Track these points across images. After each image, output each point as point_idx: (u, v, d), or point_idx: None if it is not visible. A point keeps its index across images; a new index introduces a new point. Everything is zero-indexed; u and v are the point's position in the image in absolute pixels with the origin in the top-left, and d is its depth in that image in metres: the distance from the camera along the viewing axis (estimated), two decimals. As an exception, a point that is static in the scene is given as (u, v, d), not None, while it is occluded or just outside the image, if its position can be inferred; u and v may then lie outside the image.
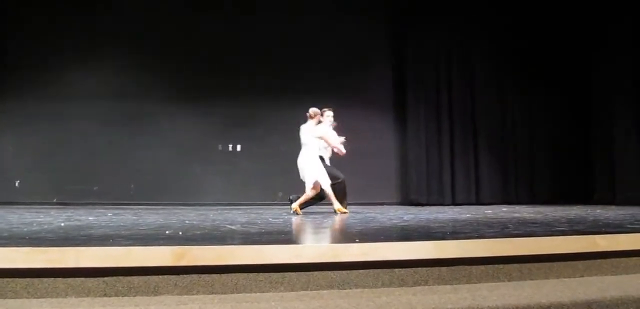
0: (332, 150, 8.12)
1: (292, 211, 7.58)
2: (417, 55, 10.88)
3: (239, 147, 9.80)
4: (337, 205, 7.60)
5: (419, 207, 9.37)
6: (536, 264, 3.54)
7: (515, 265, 3.52)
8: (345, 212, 7.50)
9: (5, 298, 2.98)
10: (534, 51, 10.93)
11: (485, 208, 8.89)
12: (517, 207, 9.05)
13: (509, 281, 3.46)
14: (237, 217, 6.72)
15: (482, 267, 3.47)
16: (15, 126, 10.09)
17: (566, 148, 10.87)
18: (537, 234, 4.16)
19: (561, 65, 10.89)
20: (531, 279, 3.48)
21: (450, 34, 10.99)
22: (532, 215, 7.00)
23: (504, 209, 8.70)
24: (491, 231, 4.68)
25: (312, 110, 7.85)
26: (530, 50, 10.92)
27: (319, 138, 7.82)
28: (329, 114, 8.03)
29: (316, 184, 7.62)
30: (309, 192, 7.66)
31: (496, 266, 3.49)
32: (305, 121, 7.88)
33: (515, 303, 2.97)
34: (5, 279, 3.02)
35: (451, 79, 10.97)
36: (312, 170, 7.64)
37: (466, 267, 3.45)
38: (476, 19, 10.91)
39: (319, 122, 7.89)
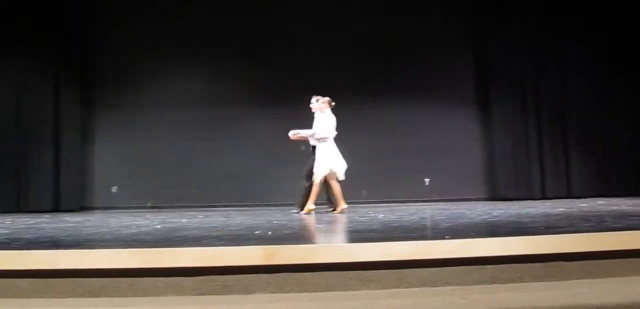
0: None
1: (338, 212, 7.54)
2: (500, 46, 10.52)
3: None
4: (310, 205, 7.53)
5: (508, 203, 9.08)
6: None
7: (616, 261, 3.34)
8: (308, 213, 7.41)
9: (111, 296, 3.16)
10: (629, 36, 10.30)
11: (579, 201, 8.50)
12: (614, 200, 8.58)
13: (609, 277, 3.29)
14: (323, 216, 6.79)
15: (579, 263, 3.32)
16: (111, 135, 10.65)
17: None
18: (639, 228, 3.94)
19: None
20: (636, 276, 3.28)
21: (535, 22, 10.57)
22: (631, 207, 6.64)
23: (600, 202, 8.27)
24: (587, 225, 4.48)
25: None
26: (626, 35, 10.31)
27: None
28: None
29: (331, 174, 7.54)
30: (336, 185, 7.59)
31: (595, 261, 3.33)
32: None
33: (618, 300, 2.82)
34: (110, 279, 3.21)
35: (537, 69, 10.54)
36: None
37: (562, 263, 3.31)
38: (562, 4, 10.45)
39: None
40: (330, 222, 5.57)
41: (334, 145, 7.72)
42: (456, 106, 10.69)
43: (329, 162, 7.59)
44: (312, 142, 7.86)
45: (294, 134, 7.91)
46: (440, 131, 10.49)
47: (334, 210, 7.63)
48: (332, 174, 7.61)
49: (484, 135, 10.69)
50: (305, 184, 7.71)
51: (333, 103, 7.90)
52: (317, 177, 7.54)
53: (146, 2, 10.80)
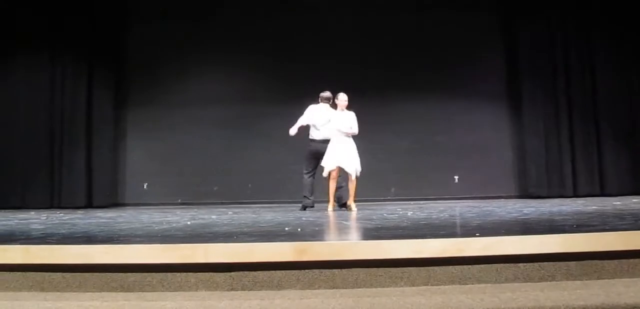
0: None
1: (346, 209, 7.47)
2: (530, 42, 10.37)
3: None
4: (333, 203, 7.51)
5: (539, 201, 8.95)
6: (679, 259, 3.27)
7: (653, 260, 3.27)
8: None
9: (144, 291, 3.21)
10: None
11: (613, 200, 8.34)
12: (649, 198, 8.42)
13: (646, 276, 3.22)
14: (352, 213, 6.78)
15: (615, 261, 3.25)
16: (142, 133, 10.82)
17: None
18: (676, 226, 3.85)
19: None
20: (673, 274, 3.21)
21: (565, 17, 10.39)
22: (667, 206, 6.49)
23: (635, 200, 8.11)
24: (623, 223, 4.39)
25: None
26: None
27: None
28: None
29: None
30: (354, 181, 7.45)
31: (631, 260, 3.26)
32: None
33: (655, 300, 2.76)
34: (143, 274, 3.26)
35: (568, 65, 10.34)
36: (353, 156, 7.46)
37: (597, 261, 3.25)
38: (594, -1, 10.28)
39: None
40: (360, 219, 5.57)
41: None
42: (486, 103, 10.58)
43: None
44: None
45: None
46: (470, 128, 10.40)
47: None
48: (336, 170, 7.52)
49: (514, 132, 10.56)
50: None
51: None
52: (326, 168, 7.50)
53: (176, 1, 10.92)
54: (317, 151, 7.82)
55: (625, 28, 10.19)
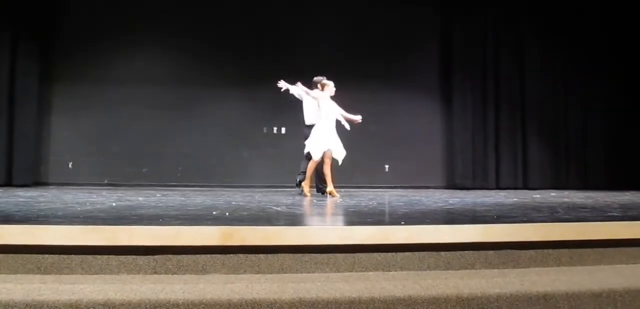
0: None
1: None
2: (464, 38, 10.67)
3: (283, 130, 9.89)
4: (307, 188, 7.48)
5: (464, 192, 9.25)
6: (587, 250, 3.46)
7: (565, 250, 3.44)
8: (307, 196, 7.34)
9: (61, 274, 3.10)
10: (589, 32, 10.56)
11: (533, 193, 8.72)
12: (566, 193, 8.84)
13: (558, 266, 3.39)
14: (282, 199, 6.78)
15: (530, 252, 3.41)
16: (69, 110, 10.39)
17: (621, 132, 10.47)
18: (588, 220, 4.07)
19: (618, 46, 10.45)
20: (582, 266, 3.39)
21: (498, 15, 10.74)
22: (582, 200, 6.84)
23: (553, 193, 8.51)
24: (540, 215, 4.59)
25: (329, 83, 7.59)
26: (585, 31, 10.56)
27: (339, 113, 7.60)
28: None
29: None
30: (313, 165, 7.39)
31: (545, 250, 3.42)
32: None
33: (566, 288, 2.92)
34: (61, 256, 3.15)
35: (499, 62, 10.72)
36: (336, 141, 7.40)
37: (514, 251, 3.40)
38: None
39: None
40: (289, 205, 5.57)
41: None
42: (419, 95, 10.82)
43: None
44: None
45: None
46: (402, 119, 10.60)
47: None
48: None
49: (444, 124, 10.84)
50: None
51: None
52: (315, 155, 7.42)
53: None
54: None
55: (554, 32, 10.63)
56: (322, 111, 7.43)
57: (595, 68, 10.56)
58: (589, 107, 10.67)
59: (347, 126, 7.72)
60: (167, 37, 10.52)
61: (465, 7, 10.72)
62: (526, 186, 10.32)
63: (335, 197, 7.14)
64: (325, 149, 7.32)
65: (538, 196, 7.86)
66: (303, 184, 7.54)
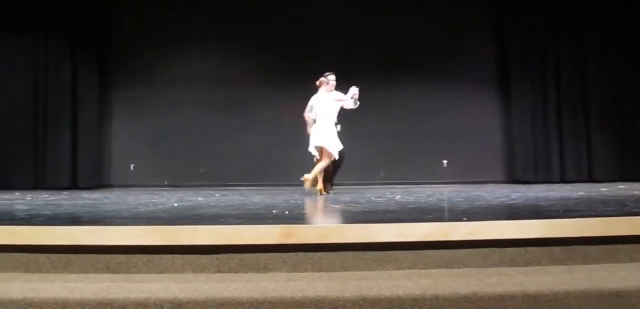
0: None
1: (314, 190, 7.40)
2: (521, 28, 10.40)
3: (338, 127, 9.85)
4: (320, 185, 7.39)
5: (526, 186, 9.01)
6: (660, 245, 3.30)
7: (636, 246, 3.30)
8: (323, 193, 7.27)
9: (129, 273, 3.19)
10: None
11: (599, 186, 8.41)
12: (635, 185, 8.48)
13: (630, 262, 3.25)
14: (340, 196, 6.79)
15: (598, 247, 3.29)
16: (128, 115, 10.72)
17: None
18: (660, 212, 3.89)
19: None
20: (656, 260, 3.24)
21: (557, 2, 10.41)
22: (652, 193, 6.55)
23: (621, 186, 8.18)
24: (608, 209, 4.42)
25: (327, 77, 7.58)
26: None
27: (337, 102, 7.54)
28: (332, 78, 7.65)
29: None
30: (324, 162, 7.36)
31: (615, 246, 3.29)
32: (315, 91, 7.75)
33: (638, 285, 2.79)
34: (128, 255, 3.24)
35: (558, 53, 10.38)
36: (326, 136, 7.39)
37: (581, 247, 3.29)
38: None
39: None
40: (348, 202, 5.57)
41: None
42: (476, 89, 10.60)
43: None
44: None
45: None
46: (459, 113, 10.41)
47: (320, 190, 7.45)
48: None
49: (503, 118, 10.60)
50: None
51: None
52: (333, 152, 7.45)
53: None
54: None
55: (616, 26, 10.21)
56: (321, 108, 7.50)
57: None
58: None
59: (355, 104, 7.62)
60: (219, 40, 10.69)
61: (522, 3, 10.44)
62: (591, 179, 9.95)
63: (323, 195, 7.17)
64: (339, 148, 7.39)
65: (605, 189, 7.57)
66: (318, 183, 7.43)
